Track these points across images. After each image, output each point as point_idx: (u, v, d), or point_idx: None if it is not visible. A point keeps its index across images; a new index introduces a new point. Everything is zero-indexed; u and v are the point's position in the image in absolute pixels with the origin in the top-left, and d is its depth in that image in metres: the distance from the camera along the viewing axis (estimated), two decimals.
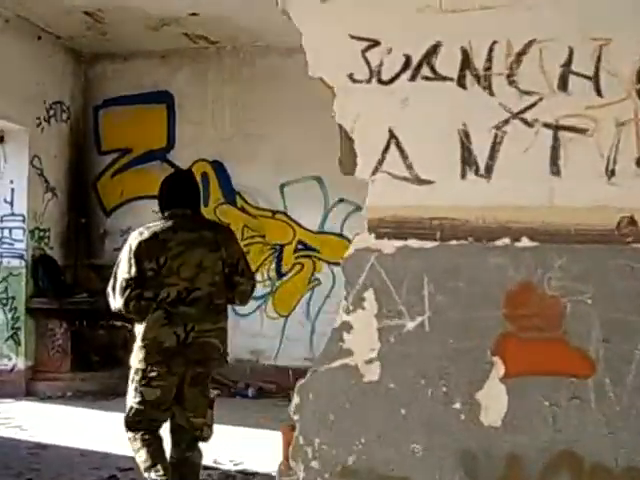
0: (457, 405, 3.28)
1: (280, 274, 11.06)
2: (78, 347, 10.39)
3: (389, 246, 3.35)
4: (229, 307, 10.83)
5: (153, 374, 5.18)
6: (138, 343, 5.22)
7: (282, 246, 11.05)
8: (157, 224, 5.36)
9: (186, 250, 5.19)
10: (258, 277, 10.84)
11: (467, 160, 3.29)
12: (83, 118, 11.50)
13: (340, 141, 3.46)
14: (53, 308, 10.30)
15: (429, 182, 3.31)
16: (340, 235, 10.89)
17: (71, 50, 11.25)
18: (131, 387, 5.29)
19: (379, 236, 3.35)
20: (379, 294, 3.33)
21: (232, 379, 10.77)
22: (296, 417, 3.40)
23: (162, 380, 5.20)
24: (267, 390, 10.75)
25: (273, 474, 7.26)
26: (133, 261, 5.14)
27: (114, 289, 5.21)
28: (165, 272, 5.16)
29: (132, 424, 5.33)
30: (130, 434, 5.35)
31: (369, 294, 3.35)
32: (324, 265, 10.91)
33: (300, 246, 11.01)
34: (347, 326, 3.37)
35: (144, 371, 5.20)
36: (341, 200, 10.83)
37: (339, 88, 3.44)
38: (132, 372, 5.29)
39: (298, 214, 11.01)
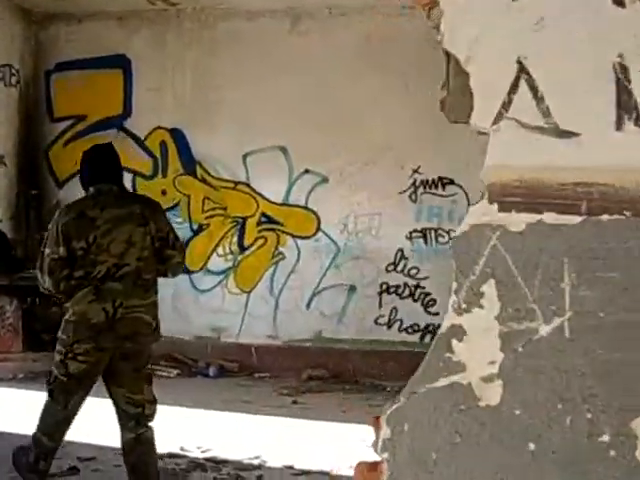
0: (605, 437, 2.26)
1: (242, 248, 10.15)
2: (30, 325, 9.57)
3: (517, 221, 2.30)
4: (189, 282, 10.02)
5: (80, 350, 4.92)
6: (67, 317, 5.00)
7: (244, 219, 10.14)
8: (83, 201, 5.15)
9: (115, 227, 4.95)
10: (219, 251, 10.07)
11: (625, 105, 2.25)
12: (34, 83, 10.32)
13: (446, 76, 2.40)
14: (3, 284, 9.43)
15: (572, 134, 2.27)
16: (305, 207, 10.06)
17: (21, 10, 10.04)
18: (57, 358, 5.03)
19: (504, 208, 2.30)
20: (503, 287, 2.29)
21: (192, 357, 10.03)
22: (385, 455, 2.35)
23: (89, 356, 4.94)
24: (229, 369, 9.93)
25: (244, 462, 6.51)
26: (61, 241, 4.89)
27: (42, 269, 4.96)
28: (95, 250, 4.92)
29: (52, 392, 5.08)
30: (49, 399, 5.10)
31: (489, 287, 2.31)
32: (288, 239, 10.07)
33: (263, 219, 10.12)
34: (458, 331, 2.33)
35: (71, 346, 4.93)
36: (307, 171, 10.01)
37: (448, 1, 2.35)
38: (59, 345, 5.02)
39: (261, 185, 10.10)
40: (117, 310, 4.91)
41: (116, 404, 5.12)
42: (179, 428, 7.36)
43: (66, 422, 5.10)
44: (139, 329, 5.01)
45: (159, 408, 7.94)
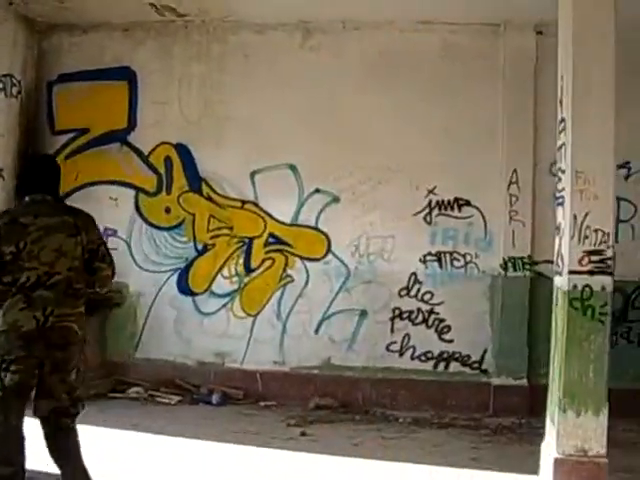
0: None
1: (249, 269, 9.29)
2: None
3: None
4: (192, 305, 9.23)
5: (12, 357, 4.83)
6: None
7: (251, 239, 9.28)
8: (17, 208, 5.21)
9: (46, 235, 4.92)
10: (225, 272, 9.29)
11: None
12: (35, 94, 9.43)
13: None
14: None
15: None
16: (315, 228, 9.23)
17: (24, 18, 9.18)
18: None
19: None
20: None
21: (195, 384, 9.16)
22: None
23: (21, 364, 4.85)
24: (233, 396, 9.04)
25: None
26: None
27: None
28: (25, 256, 4.88)
29: None
30: None
31: None
32: (297, 261, 9.24)
33: (271, 239, 9.27)
34: None
35: (3, 356, 4.86)
36: (317, 190, 9.20)
37: None
38: None
39: (270, 204, 9.26)
40: (48, 318, 4.85)
41: (39, 409, 5.00)
42: (179, 463, 6.53)
43: (10, 440, 4.86)
44: (69, 338, 4.95)
45: (158, 439, 7.16)
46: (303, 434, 7.63)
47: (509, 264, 8.82)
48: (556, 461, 5.80)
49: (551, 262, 8.58)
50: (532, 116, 8.79)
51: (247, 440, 7.33)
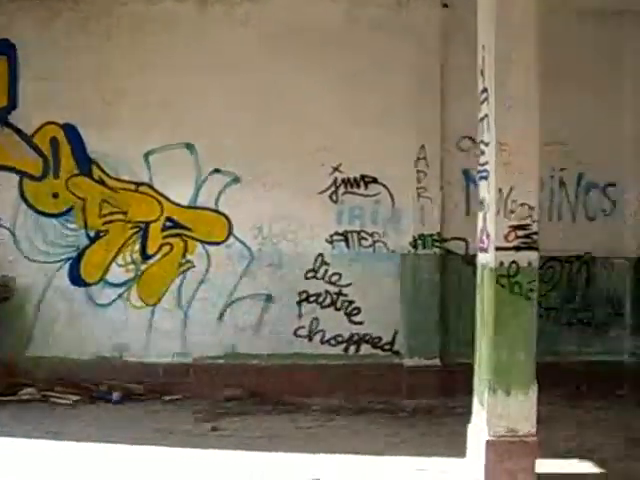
0: None
1: (145, 256, 8.98)
2: None
3: None
4: (85, 296, 8.86)
5: None
6: None
7: (147, 224, 8.97)
8: None
9: None
10: (120, 260, 8.94)
11: None
12: None
13: None
14: None
15: None
16: (215, 210, 8.99)
17: None
18: None
19: None
20: None
21: (93, 381, 8.74)
22: None
23: None
24: (134, 392, 8.71)
25: None
26: None
27: None
28: None
29: None
30: None
31: None
32: (197, 245, 8.99)
33: (169, 223, 8.98)
34: None
35: None
36: (216, 170, 8.96)
37: None
38: None
39: (166, 186, 8.95)
40: None
41: None
42: (79, 470, 6.17)
43: None
44: None
45: (55, 444, 6.76)
46: (214, 429, 7.39)
47: (418, 242, 8.82)
48: (487, 443, 5.79)
49: (460, 239, 8.79)
50: (439, 90, 8.79)
51: (155, 439, 7.02)
